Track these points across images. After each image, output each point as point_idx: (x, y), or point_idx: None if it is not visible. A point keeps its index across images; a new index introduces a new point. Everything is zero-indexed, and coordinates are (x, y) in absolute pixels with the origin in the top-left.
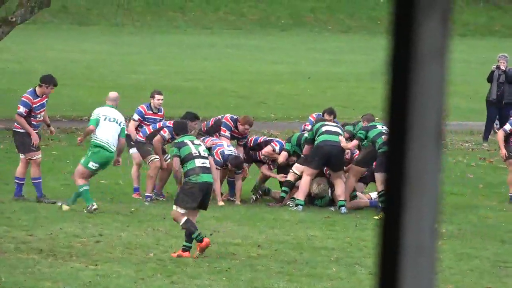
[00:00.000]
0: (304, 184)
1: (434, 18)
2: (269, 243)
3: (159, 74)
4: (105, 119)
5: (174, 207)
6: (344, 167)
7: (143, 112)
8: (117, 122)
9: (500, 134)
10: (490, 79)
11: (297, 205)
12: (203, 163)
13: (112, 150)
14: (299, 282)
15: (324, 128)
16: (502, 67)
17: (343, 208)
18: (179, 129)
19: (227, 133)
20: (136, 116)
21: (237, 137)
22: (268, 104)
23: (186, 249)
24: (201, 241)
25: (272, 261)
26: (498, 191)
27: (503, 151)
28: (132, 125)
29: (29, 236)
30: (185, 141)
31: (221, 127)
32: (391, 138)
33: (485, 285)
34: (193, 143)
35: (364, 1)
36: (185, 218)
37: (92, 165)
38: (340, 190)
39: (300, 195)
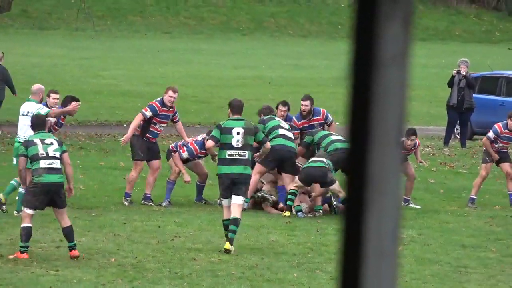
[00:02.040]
0: (252, 183)
1: (395, 23)
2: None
3: (119, 79)
4: (20, 115)
5: (22, 207)
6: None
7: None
8: (27, 114)
9: (486, 142)
10: (450, 84)
11: (246, 202)
12: (49, 164)
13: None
14: (260, 287)
15: (280, 131)
16: (463, 72)
17: (299, 213)
18: (35, 125)
19: (148, 112)
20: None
21: (163, 116)
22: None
23: (23, 250)
24: (22, 252)
25: (233, 266)
26: (459, 196)
27: (496, 156)
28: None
29: None
30: (35, 140)
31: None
32: (352, 142)
33: None
34: (43, 143)
35: (324, 6)
36: (26, 224)
37: (15, 160)
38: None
39: (249, 194)
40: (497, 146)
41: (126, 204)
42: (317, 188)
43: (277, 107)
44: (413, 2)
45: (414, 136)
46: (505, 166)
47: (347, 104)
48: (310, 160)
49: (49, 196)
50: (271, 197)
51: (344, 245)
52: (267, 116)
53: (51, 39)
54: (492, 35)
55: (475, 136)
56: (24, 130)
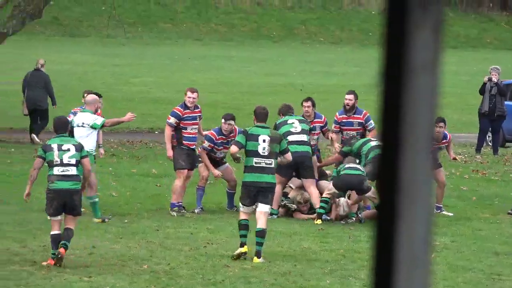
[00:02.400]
0: (276, 194)
1: (426, 30)
2: (263, 255)
3: (150, 86)
4: (75, 126)
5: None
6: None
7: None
8: (83, 125)
9: None
10: (482, 91)
11: (271, 214)
12: (62, 171)
13: None
14: None
15: (290, 138)
16: (494, 79)
17: (323, 216)
18: (57, 127)
19: (171, 120)
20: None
21: (190, 118)
22: None
23: (54, 257)
24: (52, 258)
25: (265, 273)
26: (491, 203)
27: None
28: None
29: (22, 248)
30: (52, 145)
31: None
32: (383, 149)
33: None
34: (60, 149)
35: (355, 13)
36: (54, 231)
37: None
38: (315, 196)
39: (274, 205)
40: None
41: (175, 214)
42: (353, 195)
43: (302, 105)
44: (444, 10)
45: (443, 123)
46: None
47: (378, 111)
48: (346, 167)
49: (62, 203)
50: (292, 206)
51: (376, 252)
52: (280, 120)
53: (82, 46)
54: None
55: (507, 144)
56: (81, 140)
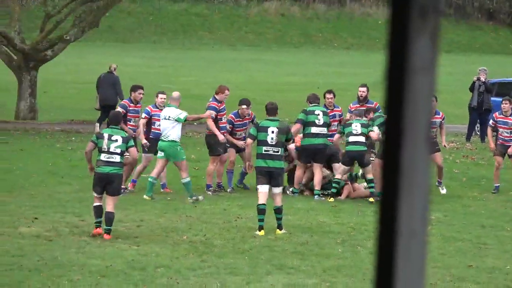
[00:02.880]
0: (298, 176)
1: (424, 36)
2: (285, 228)
3: (190, 84)
4: (162, 119)
5: None
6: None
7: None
8: (168, 118)
9: (489, 131)
10: (471, 89)
11: (293, 192)
12: (107, 158)
13: (165, 140)
14: (310, 260)
15: (312, 130)
16: (482, 79)
17: (316, 196)
18: (111, 120)
19: (213, 112)
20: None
21: (223, 109)
22: (283, 109)
23: (97, 226)
24: (96, 227)
25: (287, 243)
26: (479, 184)
27: (492, 145)
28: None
29: (81, 221)
30: (104, 134)
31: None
32: (388, 137)
33: (468, 263)
34: (109, 138)
35: (364, 23)
36: (95, 203)
37: (162, 154)
38: (317, 180)
39: (295, 185)
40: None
41: (210, 193)
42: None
43: (324, 96)
44: (440, 19)
45: (434, 98)
46: None
47: (384, 106)
48: (350, 141)
49: (103, 184)
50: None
51: (381, 225)
52: (309, 109)
53: (133, 51)
54: (506, 47)
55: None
56: (167, 131)
